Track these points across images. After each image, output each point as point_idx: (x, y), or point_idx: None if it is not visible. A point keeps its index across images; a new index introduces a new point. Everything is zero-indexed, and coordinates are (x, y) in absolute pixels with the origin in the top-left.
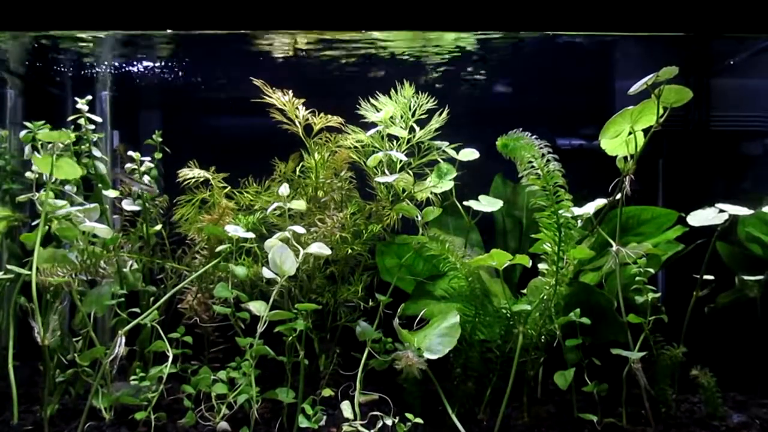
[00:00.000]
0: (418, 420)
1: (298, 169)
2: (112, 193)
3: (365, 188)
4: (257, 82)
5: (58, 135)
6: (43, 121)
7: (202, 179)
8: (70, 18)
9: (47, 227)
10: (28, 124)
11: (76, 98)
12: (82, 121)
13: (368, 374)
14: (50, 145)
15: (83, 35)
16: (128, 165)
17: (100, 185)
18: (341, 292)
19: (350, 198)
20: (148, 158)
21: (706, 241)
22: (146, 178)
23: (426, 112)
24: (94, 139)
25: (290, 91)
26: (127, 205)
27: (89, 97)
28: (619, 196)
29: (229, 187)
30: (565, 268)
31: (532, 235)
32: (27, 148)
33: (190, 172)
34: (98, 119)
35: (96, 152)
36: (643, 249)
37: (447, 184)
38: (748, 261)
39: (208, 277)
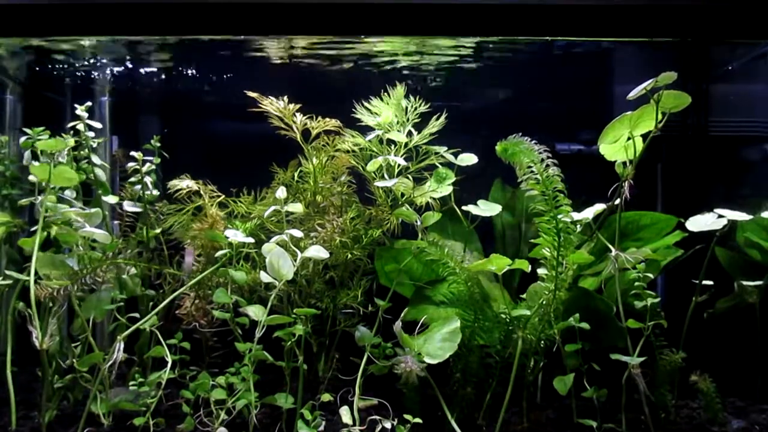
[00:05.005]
0: (417, 420)
1: (296, 174)
2: (111, 199)
3: (364, 192)
4: (253, 95)
5: (55, 143)
6: (43, 128)
7: (194, 189)
8: (70, 23)
9: (47, 232)
10: (27, 130)
11: (75, 104)
12: (81, 127)
13: (367, 379)
14: (49, 152)
15: (83, 41)
16: (131, 164)
17: (99, 191)
18: (341, 297)
19: (349, 203)
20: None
21: (705, 246)
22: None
23: (424, 118)
24: (94, 145)
25: (287, 97)
26: (129, 207)
27: (89, 104)
28: (618, 201)
29: (224, 196)
30: (564, 273)
31: (532, 240)
32: (26, 154)
33: (180, 183)
34: (98, 125)
35: (95, 159)
36: (642, 254)
37: (446, 189)
38: (747, 266)
39: (206, 283)
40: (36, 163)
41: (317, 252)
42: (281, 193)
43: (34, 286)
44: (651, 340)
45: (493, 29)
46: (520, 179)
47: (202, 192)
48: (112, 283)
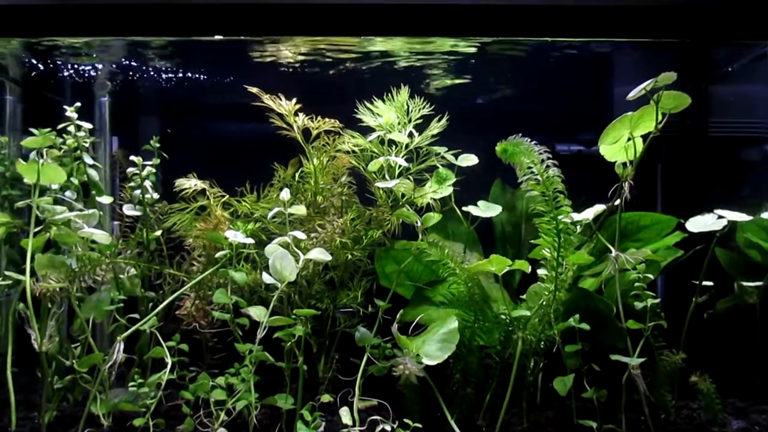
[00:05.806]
0: (418, 425)
1: (297, 175)
2: (106, 200)
3: (365, 193)
4: (254, 90)
5: (42, 140)
6: (49, 129)
7: (199, 188)
8: (70, 23)
9: (47, 233)
10: (34, 130)
11: (74, 104)
12: (72, 128)
13: (367, 380)
14: (44, 151)
15: (83, 41)
16: (130, 169)
17: (93, 192)
18: (341, 298)
19: (350, 203)
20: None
21: (705, 247)
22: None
23: (425, 119)
24: (86, 145)
25: (289, 97)
26: (129, 211)
27: (78, 104)
28: (618, 201)
29: (227, 196)
30: (564, 273)
31: (532, 241)
32: (32, 155)
33: (187, 182)
34: (88, 125)
35: (87, 159)
36: (642, 255)
37: (446, 190)
38: (747, 267)
39: (206, 284)
40: (22, 162)
41: (320, 254)
42: (285, 195)
43: (31, 284)
44: (651, 341)
45: (494, 30)
46: (520, 180)
47: (206, 191)
48: (112, 283)
